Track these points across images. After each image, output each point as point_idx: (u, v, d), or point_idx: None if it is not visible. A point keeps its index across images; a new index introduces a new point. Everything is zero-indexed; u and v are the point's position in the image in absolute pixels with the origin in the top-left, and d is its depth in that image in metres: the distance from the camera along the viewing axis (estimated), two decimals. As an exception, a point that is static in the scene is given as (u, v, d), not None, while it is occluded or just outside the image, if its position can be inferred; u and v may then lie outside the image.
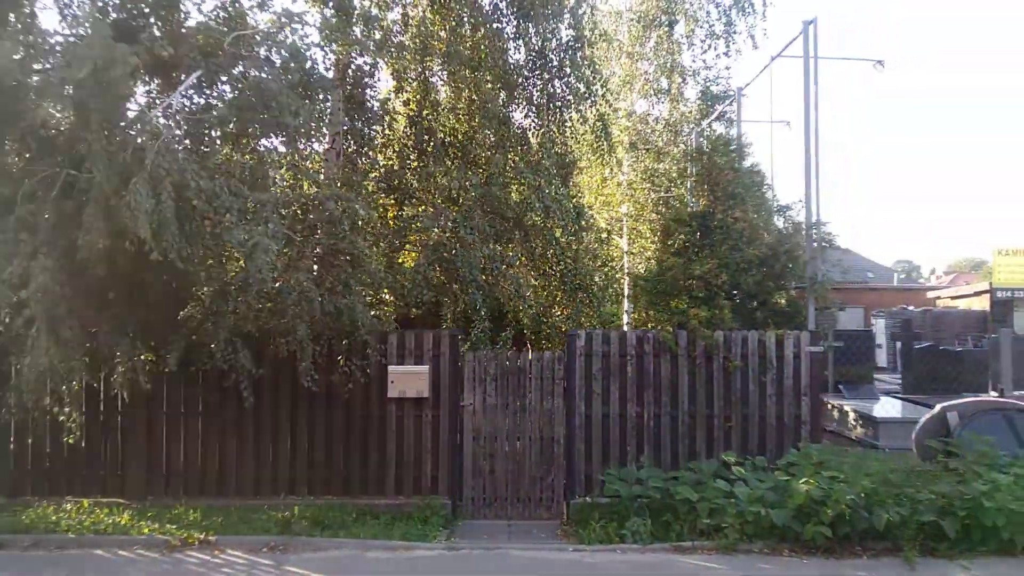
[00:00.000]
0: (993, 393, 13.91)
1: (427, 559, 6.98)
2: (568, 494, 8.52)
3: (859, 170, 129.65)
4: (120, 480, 8.44)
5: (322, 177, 9.56)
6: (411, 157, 10.91)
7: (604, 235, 15.07)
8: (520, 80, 11.07)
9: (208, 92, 8.07)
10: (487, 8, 10.70)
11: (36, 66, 7.03)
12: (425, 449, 8.58)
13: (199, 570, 6.59)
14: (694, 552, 7.05)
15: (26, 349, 6.43)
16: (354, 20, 9.69)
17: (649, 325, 10.02)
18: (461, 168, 10.49)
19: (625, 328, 13.21)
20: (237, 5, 8.18)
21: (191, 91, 7.85)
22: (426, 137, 10.73)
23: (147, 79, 7.98)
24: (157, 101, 7.90)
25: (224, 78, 7.98)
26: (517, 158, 10.89)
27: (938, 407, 9.24)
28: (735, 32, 16.12)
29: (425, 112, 10.90)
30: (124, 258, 6.74)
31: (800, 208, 10.64)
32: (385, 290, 9.49)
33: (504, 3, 10.67)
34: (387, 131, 10.94)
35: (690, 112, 17.13)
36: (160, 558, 6.87)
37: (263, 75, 7.67)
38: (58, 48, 6.92)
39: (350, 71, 10.34)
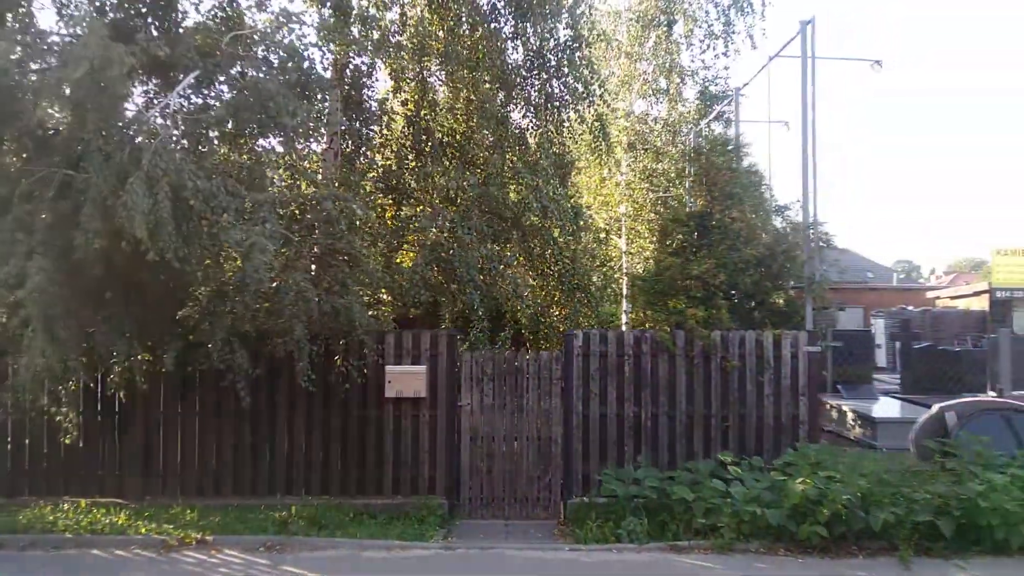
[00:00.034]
0: (992, 393, 13.90)
1: (423, 559, 6.99)
2: (565, 494, 8.53)
3: (857, 170, 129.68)
4: (117, 480, 8.45)
5: (320, 177, 9.56)
6: (409, 157, 10.91)
7: (602, 235, 15.07)
8: (518, 80, 11.07)
9: (206, 92, 8.08)
10: (485, 8, 10.70)
11: (33, 66, 7.05)
12: (422, 449, 8.59)
13: (196, 570, 6.59)
14: (690, 552, 7.06)
15: (22, 349, 6.43)
16: (352, 20, 9.70)
17: (647, 325, 10.03)
18: (459, 168, 10.49)
19: (623, 328, 13.21)
20: (235, 5, 8.20)
21: (189, 91, 7.85)
22: (424, 137, 10.74)
23: (145, 79, 7.99)
24: (155, 101, 7.91)
25: (222, 78, 7.99)
26: (515, 158, 10.89)
27: (936, 407, 9.25)
28: (734, 32, 16.11)
29: (423, 112, 10.90)
30: (121, 258, 6.74)
31: (798, 208, 10.65)
32: (383, 290, 9.50)
33: (502, 3, 10.67)
34: (385, 131, 10.95)
35: (689, 112, 17.13)
36: (157, 558, 6.87)
37: (260, 75, 7.68)
38: (56, 48, 6.94)
39: (348, 71, 10.34)
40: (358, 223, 8.61)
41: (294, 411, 8.53)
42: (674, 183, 14.03)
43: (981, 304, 26.78)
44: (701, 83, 17.21)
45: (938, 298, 31.93)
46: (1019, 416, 8.96)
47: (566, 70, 10.78)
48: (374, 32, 10.41)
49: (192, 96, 8.03)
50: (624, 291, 13.30)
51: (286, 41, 8.00)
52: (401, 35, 10.85)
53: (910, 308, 27.49)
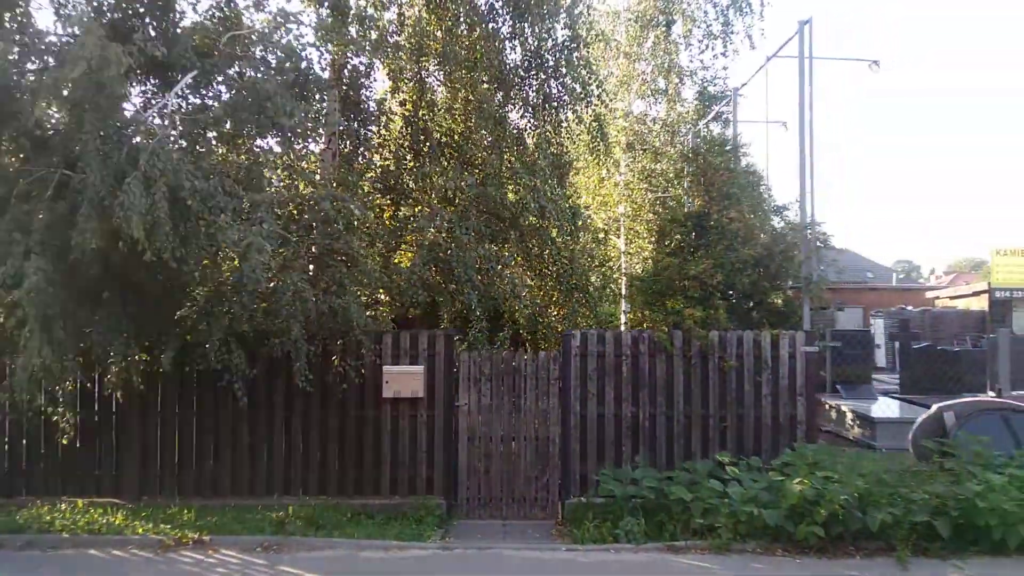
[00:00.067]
0: (991, 393, 13.90)
1: (421, 559, 6.98)
2: (563, 494, 8.53)
3: (856, 170, 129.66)
4: (115, 480, 8.45)
5: (318, 177, 9.56)
6: (407, 157, 10.91)
7: (601, 235, 15.04)
8: (516, 80, 11.05)
9: (204, 92, 8.09)
10: (483, 8, 10.69)
11: (31, 66, 7.06)
12: (420, 449, 8.59)
13: (193, 570, 6.59)
14: (687, 552, 7.05)
15: (19, 349, 6.43)
16: (350, 20, 9.70)
17: (644, 325, 10.03)
18: (457, 168, 10.48)
19: (622, 328, 13.20)
20: (232, 5, 8.20)
21: (187, 91, 7.86)
22: (422, 137, 10.73)
23: (143, 79, 8.00)
24: (153, 101, 7.92)
25: (220, 78, 8.00)
26: (513, 158, 10.88)
27: (934, 407, 9.25)
28: (732, 32, 16.11)
29: (421, 112, 10.89)
30: (118, 258, 6.74)
31: (796, 208, 10.65)
32: (381, 290, 9.49)
33: (500, 3, 10.66)
34: (383, 131, 10.94)
35: (687, 112, 17.13)
36: (154, 558, 6.87)
37: (258, 75, 7.68)
38: (54, 48, 6.94)
39: (346, 71, 10.34)
40: (356, 223, 8.60)
41: (292, 411, 8.53)
42: (673, 183, 13.99)
43: (980, 304, 26.77)
44: (700, 83, 17.24)
45: (937, 298, 31.93)
46: (1018, 416, 8.96)
47: (564, 70, 10.76)
48: (372, 32, 10.41)
49: (190, 96, 8.04)
50: (623, 291, 13.29)
51: (284, 41, 8.00)
52: (399, 35, 10.83)
53: (909, 308, 27.49)
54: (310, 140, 8.91)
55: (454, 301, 9.80)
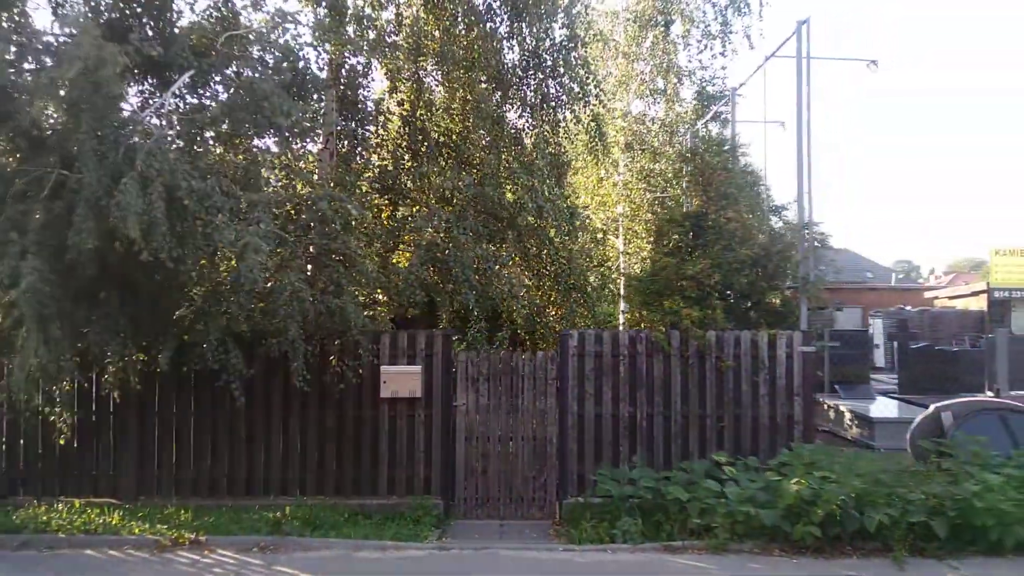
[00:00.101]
0: (989, 393, 13.91)
1: (417, 559, 6.98)
2: (561, 494, 8.53)
3: (855, 170, 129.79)
4: (112, 480, 8.44)
5: (316, 177, 9.55)
6: (405, 157, 10.90)
7: (600, 235, 15.05)
8: (514, 80, 11.05)
9: (201, 92, 8.07)
10: (481, 8, 10.69)
11: (28, 66, 7.05)
12: (418, 449, 8.58)
13: (189, 570, 6.59)
14: (684, 552, 7.05)
15: (16, 349, 6.42)
16: (347, 20, 9.69)
17: (642, 325, 10.02)
18: (455, 168, 10.49)
19: (621, 328, 13.20)
20: (230, 5, 8.18)
21: (184, 91, 7.85)
22: (420, 137, 10.73)
23: (140, 79, 7.98)
24: (150, 101, 7.91)
25: (217, 78, 7.98)
26: (511, 158, 10.88)
27: (932, 407, 9.25)
28: (731, 32, 16.10)
29: (419, 112, 10.89)
30: (115, 258, 6.73)
31: (795, 208, 10.64)
32: (379, 290, 9.49)
33: (497, 3, 10.66)
34: (381, 131, 10.94)
35: (686, 112, 17.12)
36: (150, 558, 6.87)
37: (256, 75, 7.67)
38: (52, 48, 6.94)
39: (344, 71, 10.33)
40: (353, 223, 8.60)
41: (289, 411, 8.52)
42: (671, 183, 14.01)
43: (979, 304, 26.80)
44: (698, 83, 17.23)
45: (936, 298, 31.97)
46: (1015, 416, 8.97)
47: (562, 70, 10.76)
48: (370, 32, 10.41)
49: (187, 96, 8.03)
50: (622, 291, 13.28)
51: (281, 41, 7.99)
52: (397, 35, 10.83)
53: (908, 308, 27.51)
54: (308, 140, 8.89)
55: (452, 301, 9.80)
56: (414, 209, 10.76)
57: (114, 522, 7.55)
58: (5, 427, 8.47)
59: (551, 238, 10.80)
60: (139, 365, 7.76)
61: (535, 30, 10.59)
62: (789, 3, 13.19)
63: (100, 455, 8.49)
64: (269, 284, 7.51)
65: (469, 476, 8.76)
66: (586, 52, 11.67)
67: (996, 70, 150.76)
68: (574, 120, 11.35)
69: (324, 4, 9.45)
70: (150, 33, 7.63)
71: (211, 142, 8.08)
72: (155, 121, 7.35)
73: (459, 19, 10.72)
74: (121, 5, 7.63)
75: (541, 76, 10.93)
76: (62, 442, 7.97)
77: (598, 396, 8.59)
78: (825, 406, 13.57)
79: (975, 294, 27.78)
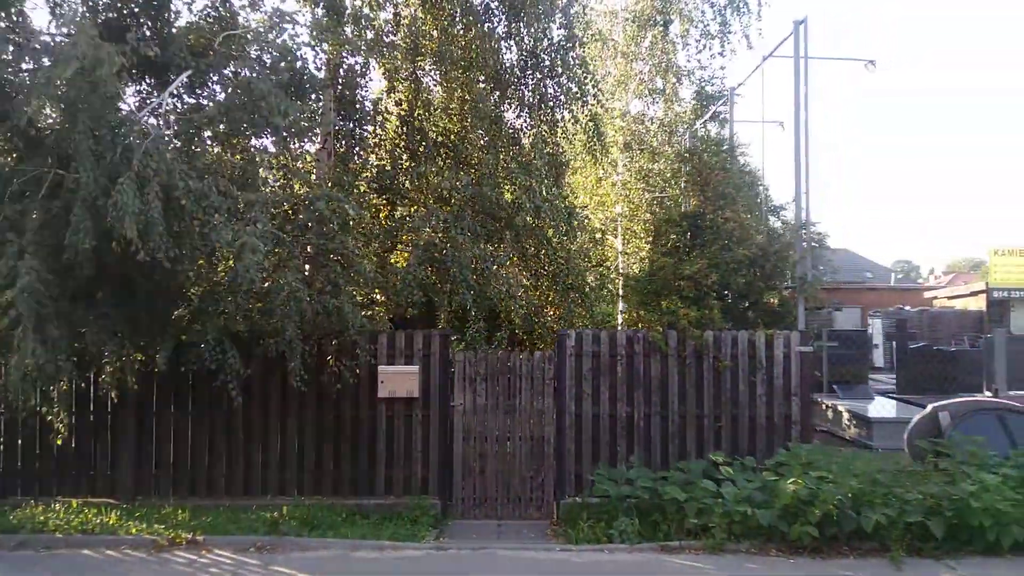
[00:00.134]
0: (987, 393, 13.92)
1: (414, 559, 6.98)
2: (558, 494, 8.53)
3: (854, 170, 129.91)
4: (110, 480, 8.44)
5: (313, 177, 9.56)
6: (403, 157, 10.90)
7: (598, 235, 15.05)
8: (512, 80, 11.05)
9: (199, 92, 8.08)
10: (478, 7, 10.69)
11: (25, 65, 7.05)
12: (415, 449, 8.59)
13: (185, 570, 6.59)
14: (681, 552, 7.05)
15: (12, 349, 6.42)
16: (345, 20, 9.68)
17: (640, 325, 10.02)
18: (453, 168, 10.49)
19: (619, 328, 13.20)
20: (227, 5, 8.19)
21: (181, 91, 7.85)
22: (418, 137, 10.73)
23: (138, 79, 7.98)
24: (148, 101, 7.91)
25: (215, 78, 7.99)
26: (509, 158, 10.88)
27: (930, 407, 9.26)
28: (730, 32, 16.07)
29: (417, 112, 10.89)
30: (112, 258, 6.73)
31: (793, 208, 10.63)
32: (377, 290, 9.49)
33: (495, 2, 10.65)
34: (379, 131, 10.94)
35: (685, 112, 17.12)
36: (147, 558, 6.87)
37: (253, 75, 7.67)
38: (50, 47, 6.93)
39: (342, 71, 10.32)
40: (351, 223, 8.60)
41: (287, 411, 8.52)
42: (670, 183, 14.01)
43: (978, 304, 26.80)
44: (697, 83, 17.22)
45: (935, 298, 31.96)
46: (1013, 416, 8.98)
47: (560, 70, 10.76)
48: (368, 32, 10.40)
49: (185, 96, 8.04)
50: (620, 291, 13.28)
51: (279, 41, 7.98)
52: (395, 35, 10.84)
53: (907, 308, 27.52)
54: (305, 140, 8.90)
55: (450, 301, 9.80)
56: (412, 209, 10.76)
57: (111, 522, 7.55)
58: (3, 427, 8.47)
59: (549, 238, 10.80)
60: (136, 365, 7.76)
61: (533, 30, 10.59)
62: (788, 3, 13.18)
63: (98, 455, 8.49)
64: (266, 284, 7.51)
65: (467, 476, 8.76)
66: (584, 52, 11.66)
67: (995, 70, 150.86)
68: (572, 120, 11.35)
69: (322, 4, 9.44)
70: (148, 33, 7.63)
71: (209, 142, 8.08)
72: (152, 121, 7.34)
73: (457, 19, 10.72)
74: (119, 5, 7.64)
75: (539, 76, 10.93)
76: (59, 442, 7.95)
77: (596, 396, 8.59)
78: (823, 406, 13.58)
79: (974, 294, 27.79)
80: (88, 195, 6.29)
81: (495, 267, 9.78)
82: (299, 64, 8.26)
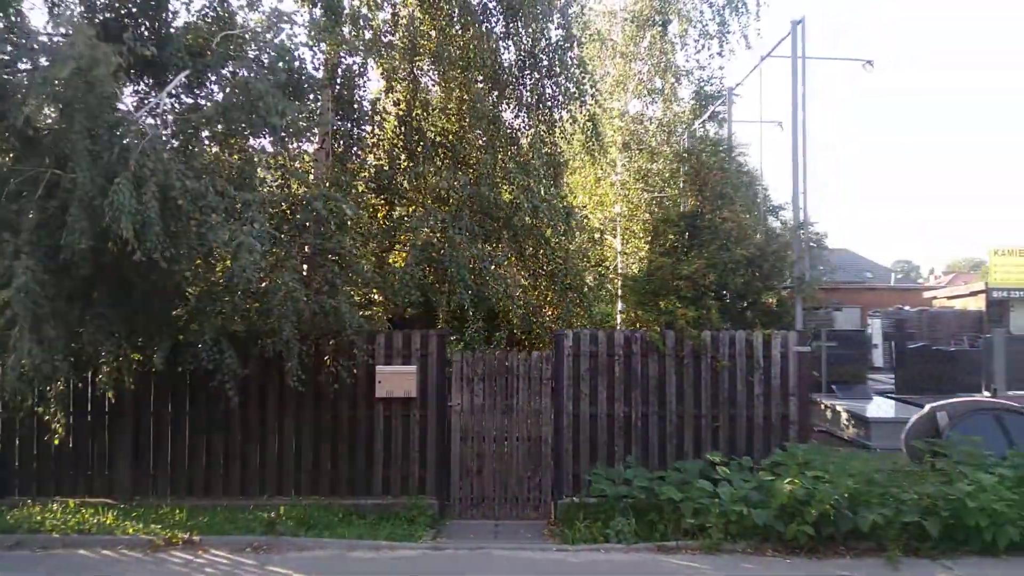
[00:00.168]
0: (986, 393, 13.91)
1: (411, 559, 6.98)
2: (556, 494, 8.53)
3: (852, 170, 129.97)
4: (107, 480, 8.45)
5: (311, 177, 9.56)
6: (401, 157, 10.91)
7: (597, 235, 15.04)
8: (510, 80, 11.04)
9: (197, 92, 8.08)
10: (476, 8, 10.68)
11: (23, 65, 7.05)
12: (412, 449, 8.59)
13: (181, 570, 6.59)
14: (678, 552, 7.05)
15: (8, 349, 6.42)
16: (343, 20, 9.68)
17: (638, 325, 10.02)
18: (451, 168, 10.49)
19: (618, 328, 13.21)
20: (225, 5, 8.19)
21: (180, 91, 7.86)
22: (416, 137, 10.73)
23: (136, 79, 7.99)
24: (146, 101, 7.92)
25: (213, 78, 7.99)
26: (507, 158, 10.88)
27: (928, 407, 9.25)
28: (728, 32, 16.04)
29: (415, 112, 10.90)
30: (109, 258, 6.74)
31: (791, 208, 10.62)
32: (375, 290, 9.49)
33: (493, 2, 10.65)
34: (377, 131, 10.94)
35: (684, 112, 17.10)
36: (143, 558, 6.87)
37: (251, 75, 7.67)
38: (48, 48, 6.94)
39: (340, 71, 10.32)
40: (348, 223, 8.61)
41: (284, 411, 8.53)
42: (668, 183, 14.00)
43: (978, 304, 26.80)
44: (696, 83, 17.19)
45: (935, 298, 31.95)
46: (1011, 416, 8.97)
47: (558, 70, 10.76)
48: (366, 32, 10.40)
49: (183, 96, 8.04)
50: (618, 291, 13.28)
51: (277, 41, 7.99)
52: (393, 35, 10.84)
53: (907, 308, 27.51)
54: (303, 140, 8.90)
55: (449, 301, 9.80)
56: (410, 209, 10.77)
57: (108, 522, 7.55)
58: (1, 427, 8.47)
59: (547, 238, 10.79)
60: (134, 365, 7.77)
61: (531, 30, 10.58)
62: (787, 3, 13.18)
63: (95, 455, 8.49)
64: (264, 284, 7.51)
65: (464, 476, 8.76)
66: (582, 52, 11.66)
67: (994, 70, 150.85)
68: (570, 120, 11.34)
69: (320, 4, 9.44)
70: (146, 33, 7.64)
71: (206, 142, 8.09)
72: (150, 121, 7.35)
73: (455, 19, 10.72)
74: (116, 5, 7.64)
75: (537, 76, 10.92)
76: (57, 442, 7.95)
77: (593, 396, 8.59)
78: (822, 406, 13.58)
79: (974, 294, 27.78)
80: (85, 195, 6.30)
81: (493, 267, 9.78)
82: (297, 64, 8.26)
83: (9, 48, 6.86)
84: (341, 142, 10.54)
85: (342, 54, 10.17)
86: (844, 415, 12.71)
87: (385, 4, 10.89)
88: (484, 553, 7.18)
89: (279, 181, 8.97)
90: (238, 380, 7.67)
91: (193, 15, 8.09)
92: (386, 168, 10.82)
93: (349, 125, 10.60)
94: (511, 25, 10.66)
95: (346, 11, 9.89)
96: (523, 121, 11.30)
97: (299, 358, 7.70)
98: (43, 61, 6.83)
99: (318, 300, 7.73)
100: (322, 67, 9.86)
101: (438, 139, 11.10)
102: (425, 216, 9.75)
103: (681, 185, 11.37)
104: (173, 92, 7.72)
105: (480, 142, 10.92)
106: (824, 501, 6.84)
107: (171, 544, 7.09)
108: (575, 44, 10.98)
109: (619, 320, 14.44)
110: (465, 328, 9.57)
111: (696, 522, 7.26)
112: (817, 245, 10.07)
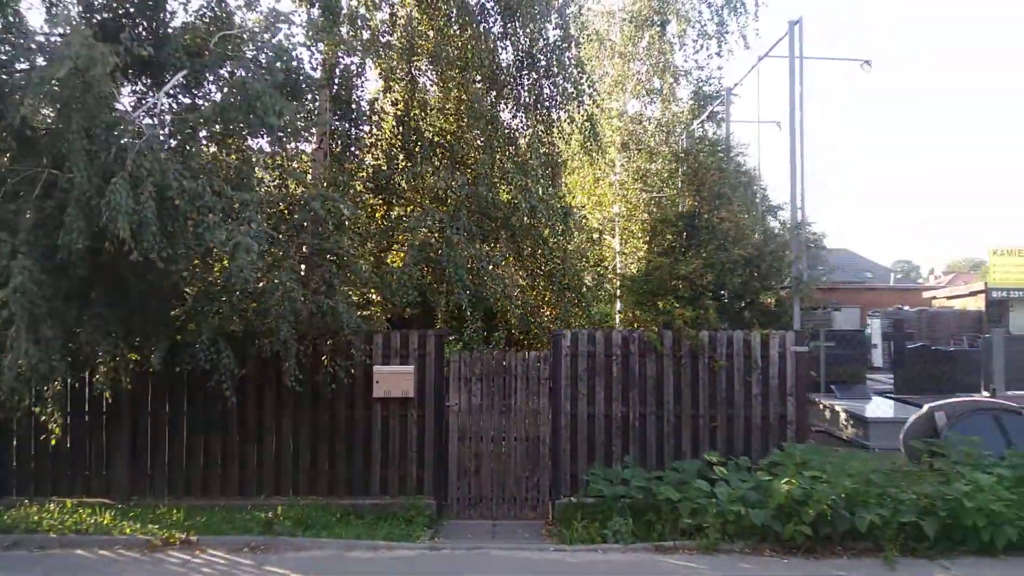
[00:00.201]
0: (985, 393, 13.92)
1: (408, 559, 6.98)
2: (553, 494, 8.52)
3: (851, 170, 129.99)
4: (105, 480, 8.44)
5: (309, 177, 9.55)
6: (399, 157, 10.90)
7: (596, 235, 15.05)
8: (508, 80, 11.04)
9: (195, 92, 8.08)
10: (474, 8, 10.68)
11: (20, 65, 7.05)
12: (410, 449, 8.58)
13: (179, 570, 6.58)
14: (675, 552, 7.05)
15: (5, 349, 6.42)
16: (341, 20, 9.67)
17: (635, 325, 10.02)
18: (449, 168, 10.48)
19: (617, 328, 13.21)
20: (224, 5, 8.19)
21: (177, 91, 7.86)
22: (414, 137, 10.72)
23: (134, 79, 7.99)
24: (144, 101, 7.92)
25: (211, 78, 7.99)
26: (505, 158, 10.87)
27: (926, 407, 9.26)
28: (727, 32, 16.04)
29: (413, 112, 10.89)
30: (106, 258, 6.74)
31: (790, 208, 10.63)
32: (372, 290, 9.49)
33: (491, 3, 10.65)
34: (375, 131, 10.94)
35: (682, 112, 17.10)
36: (140, 558, 6.87)
37: (249, 75, 7.67)
38: (46, 48, 6.94)
39: (338, 71, 10.32)
40: (346, 223, 8.60)
41: (282, 411, 8.52)
42: (667, 183, 14.01)
43: (978, 304, 26.79)
44: (695, 83, 17.18)
45: (935, 298, 31.95)
46: (1009, 416, 8.97)
47: (555, 70, 10.76)
48: (364, 32, 10.40)
49: (181, 96, 8.03)
50: (617, 291, 13.28)
51: (275, 41, 7.99)
52: (391, 35, 10.83)
53: (906, 308, 27.51)
54: (301, 140, 8.90)
55: (447, 301, 9.80)
56: (408, 209, 10.76)
57: (105, 522, 7.55)
58: (-2, 427, 8.47)
59: (545, 238, 10.79)
60: (131, 365, 7.77)
61: (529, 30, 10.58)
62: (786, 2, 13.20)
63: (93, 455, 8.49)
64: (261, 284, 7.51)
65: (462, 476, 8.76)
66: (580, 52, 11.65)
67: (993, 70, 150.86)
68: (568, 120, 11.34)
69: (318, 4, 9.43)
70: (143, 33, 7.64)
71: (204, 142, 8.09)
72: (148, 121, 7.35)
73: (453, 19, 10.72)
74: (114, 5, 7.64)
75: (535, 76, 10.92)
76: (54, 442, 7.95)
77: (591, 396, 8.59)
78: (821, 406, 13.58)
79: (973, 294, 27.77)
80: (82, 195, 6.30)
81: (491, 267, 9.77)
82: (295, 64, 8.26)
83: (7, 48, 6.87)
84: (339, 142, 10.54)
85: (340, 54, 10.17)
86: (843, 415, 12.71)
87: (383, 4, 10.89)
88: (482, 553, 7.17)
89: (277, 181, 8.97)
90: (235, 380, 7.68)
91: (191, 15, 8.09)
92: (384, 168, 10.82)
93: (347, 125, 10.59)
94: (509, 25, 10.66)
95: (344, 11, 9.89)
96: (521, 121, 11.29)
97: (297, 358, 7.70)
98: (40, 61, 6.84)
99: (315, 300, 7.73)
100: (320, 67, 9.86)
101: (436, 139, 11.10)
102: (423, 216, 9.74)
103: (679, 185, 11.38)
104: (171, 92, 7.72)
105: (478, 142, 10.91)
106: (822, 501, 6.84)
107: (168, 544, 7.08)
108: (573, 44, 10.98)
109: (618, 320, 14.44)
110: (464, 328, 9.57)
111: (694, 522, 7.25)
112: (815, 245, 10.10)
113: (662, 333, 8.64)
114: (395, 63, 10.64)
